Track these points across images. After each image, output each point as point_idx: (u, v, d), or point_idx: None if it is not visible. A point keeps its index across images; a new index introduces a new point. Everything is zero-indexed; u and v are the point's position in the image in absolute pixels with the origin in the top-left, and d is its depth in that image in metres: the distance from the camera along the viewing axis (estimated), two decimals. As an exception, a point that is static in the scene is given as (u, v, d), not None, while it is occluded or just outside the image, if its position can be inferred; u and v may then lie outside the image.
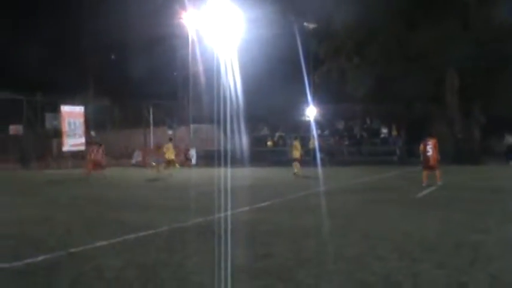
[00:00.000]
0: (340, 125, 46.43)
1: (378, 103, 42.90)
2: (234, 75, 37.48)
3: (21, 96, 43.59)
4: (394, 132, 42.20)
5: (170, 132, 46.80)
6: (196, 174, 28.79)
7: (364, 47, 40.83)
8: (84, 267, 7.51)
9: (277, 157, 43.45)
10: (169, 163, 28.78)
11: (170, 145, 29.69)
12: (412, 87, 37.07)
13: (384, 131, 42.65)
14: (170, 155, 28.85)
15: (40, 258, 8.10)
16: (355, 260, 7.76)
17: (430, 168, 19.99)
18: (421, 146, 20.29)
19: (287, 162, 39.29)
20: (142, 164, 43.23)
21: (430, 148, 19.93)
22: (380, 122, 43.90)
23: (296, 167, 27.92)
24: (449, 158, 30.36)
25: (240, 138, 42.00)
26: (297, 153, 28.40)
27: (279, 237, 9.66)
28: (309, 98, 42.75)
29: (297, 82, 40.99)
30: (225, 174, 26.40)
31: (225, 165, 29.94)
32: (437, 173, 19.80)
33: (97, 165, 28.26)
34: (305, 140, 43.06)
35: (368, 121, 45.15)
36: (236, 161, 34.96)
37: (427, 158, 20.01)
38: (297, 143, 29.27)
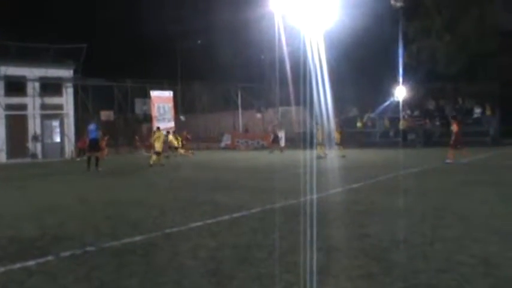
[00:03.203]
0: (431, 105, 45.23)
1: (470, 82, 41.57)
2: (320, 57, 37.23)
3: (111, 83, 44.87)
4: (488, 112, 40.65)
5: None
6: (285, 156, 28.84)
7: (456, 23, 39.60)
8: (179, 248, 7.61)
9: (367, 138, 42.97)
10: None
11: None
12: (508, 64, 35.65)
13: (477, 110, 41.12)
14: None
15: (137, 238, 8.29)
16: (452, 241, 7.53)
17: None
18: None
19: (376, 143, 38.84)
20: (231, 147, 43.74)
21: None
22: (473, 101, 42.38)
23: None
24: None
25: (328, 120, 41.78)
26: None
27: (373, 218, 9.51)
28: (399, 78, 41.94)
29: (386, 62, 40.30)
30: (314, 156, 26.41)
31: (314, 147, 29.87)
32: None
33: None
34: (394, 121, 42.37)
35: (460, 101, 43.70)
36: (325, 143, 34.78)
37: None
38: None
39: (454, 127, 22.98)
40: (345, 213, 10.17)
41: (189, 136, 39.32)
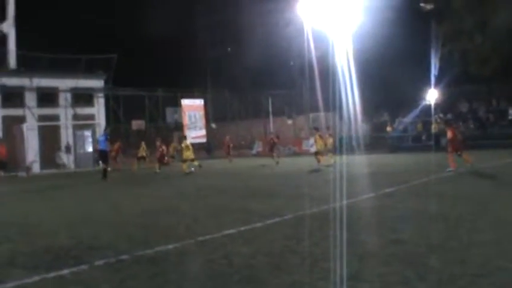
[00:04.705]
0: (464, 108, 44.65)
1: (504, 83, 40.97)
2: (349, 62, 37.04)
3: (142, 92, 45.26)
4: (523, 113, 39.98)
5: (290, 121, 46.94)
6: (316, 161, 28.66)
7: (487, 24, 39.11)
8: (213, 255, 7.60)
9: (399, 143, 42.60)
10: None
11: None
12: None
13: (512, 112, 40.49)
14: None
15: (170, 246, 8.30)
16: (490, 246, 7.40)
17: None
18: None
19: (409, 148, 38.44)
20: (263, 154, 43.68)
21: None
22: (507, 103, 41.73)
23: (321, 160, 25.88)
24: None
25: (358, 125, 41.55)
26: (318, 146, 26.66)
27: (407, 223, 9.41)
28: (430, 81, 41.50)
29: (417, 65, 39.94)
30: (346, 162, 26.20)
31: (345, 152, 29.62)
32: None
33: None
34: (427, 124, 41.91)
35: (494, 102, 43.08)
36: (355, 148, 34.55)
37: None
38: (317, 136, 27.36)
39: (449, 133, 21.34)
40: (379, 219, 10.06)
41: (230, 144, 39.38)
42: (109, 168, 25.61)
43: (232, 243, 8.37)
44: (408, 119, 45.13)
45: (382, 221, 9.82)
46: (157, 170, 28.23)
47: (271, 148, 33.48)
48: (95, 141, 37.15)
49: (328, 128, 29.77)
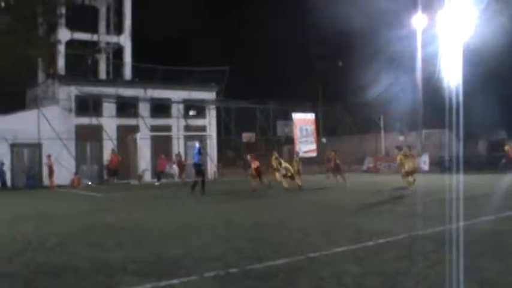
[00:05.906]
0: None
1: None
2: (464, 76, 35.75)
3: (254, 105, 45.64)
4: None
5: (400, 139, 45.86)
6: (429, 180, 27.75)
7: None
8: (323, 273, 7.47)
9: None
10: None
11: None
12: None
13: None
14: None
15: (280, 261, 8.24)
16: None
17: None
18: None
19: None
20: (374, 170, 42.96)
21: None
22: None
23: (407, 182, 22.96)
24: None
25: (475, 143, 39.92)
26: (406, 167, 23.19)
27: (531, 249, 8.86)
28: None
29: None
30: (461, 181, 25.10)
31: (459, 171, 28.55)
32: None
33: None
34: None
35: None
36: (470, 167, 33.18)
37: None
38: (401, 157, 23.92)
39: None
40: (500, 243, 9.54)
41: (330, 156, 38.65)
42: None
43: (343, 262, 8.21)
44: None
45: (505, 245, 9.31)
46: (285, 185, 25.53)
47: (335, 167, 29.69)
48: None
49: (409, 147, 26.31)
